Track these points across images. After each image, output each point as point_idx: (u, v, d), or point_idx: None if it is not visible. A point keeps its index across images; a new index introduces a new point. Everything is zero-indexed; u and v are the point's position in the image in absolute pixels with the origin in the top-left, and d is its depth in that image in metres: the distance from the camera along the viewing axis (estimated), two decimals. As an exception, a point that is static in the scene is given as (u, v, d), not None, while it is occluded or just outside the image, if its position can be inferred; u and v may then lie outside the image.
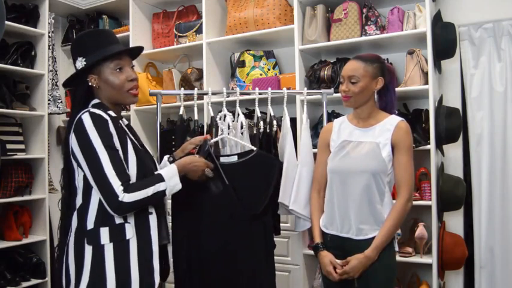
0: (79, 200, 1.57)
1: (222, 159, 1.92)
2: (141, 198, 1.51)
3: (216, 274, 1.88)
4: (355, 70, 1.86)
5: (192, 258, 1.87)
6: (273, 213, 2.15)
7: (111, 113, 1.60)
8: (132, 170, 1.56)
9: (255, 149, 1.98)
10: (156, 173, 1.61)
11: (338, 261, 1.85)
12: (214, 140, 2.00)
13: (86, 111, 1.54)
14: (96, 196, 1.53)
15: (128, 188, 1.49)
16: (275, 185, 1.97)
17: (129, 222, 1.54)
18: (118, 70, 1.62)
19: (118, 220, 1.53)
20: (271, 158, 2.01)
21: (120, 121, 1.64)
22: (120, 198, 1.47)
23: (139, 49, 1.78)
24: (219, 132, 2.07)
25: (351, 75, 1.86)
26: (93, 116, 1.52)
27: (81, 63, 1.62)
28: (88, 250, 1.52)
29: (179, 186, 1.62)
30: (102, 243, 1.51)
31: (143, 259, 1.55)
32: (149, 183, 1.54)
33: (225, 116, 2.09)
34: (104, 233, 1.52)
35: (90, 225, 1.53)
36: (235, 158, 1.95)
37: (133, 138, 1.65)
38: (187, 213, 1.90)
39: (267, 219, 1.97)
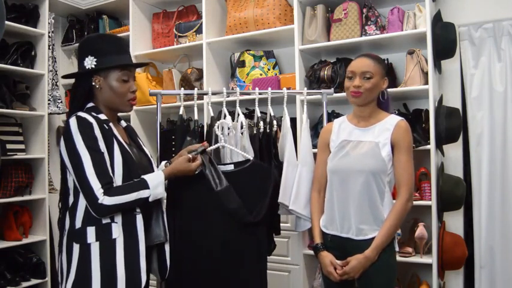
0: (71, 200, 1.61)
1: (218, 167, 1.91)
2: (122, 203, 1.55)
3: (207, 276, 1.87)
4: (369, 66, 1.86)
5: (185, 259, 1.87)
6: (273, 213, 2.15)
7: (101, 116, 1.64)
8: (118, 172, 1.59)
9: (251, 158, 1.96)
10: (142, 177, 1.63)
11: (338, 261, 1.85)
12: (210, 148, 1.97)
13: (73, 115, 1.59)
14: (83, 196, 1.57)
15: (110, 190, 1.53)
16: (271, 197, 1.95)
17: (116, 222, 1.57)
18: (124, 80, 1.68)
19: (105, 220, 1.57)
20: (267, 169, 1.99)
21: (111, 124, 1.67)
22: (99, 201, 1.51)
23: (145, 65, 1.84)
24: (219, 138, 2.03)
25: (365, 71, 1.85)
26: (78, 119, 1.57)
27: (91, 62, 1.65)
28: (76, 248, 1.56)
29: (163, 195, 1.67)
30: (88, 242, 1.55)
31: (130, 258, 1.57)
32: (133, 189, 1.58)
33: (223, 127, 2.07)
34: (91, 232, 1.56)
35: (78, 224, 1.57)
36: (231, 167, 1.94)
37: (122, 140, 1.66)
38: (180, 213, 1.89)
39: (261, 229, 1.96)
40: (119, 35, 3.37)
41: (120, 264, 1.55)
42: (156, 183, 1.62)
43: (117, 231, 1.57)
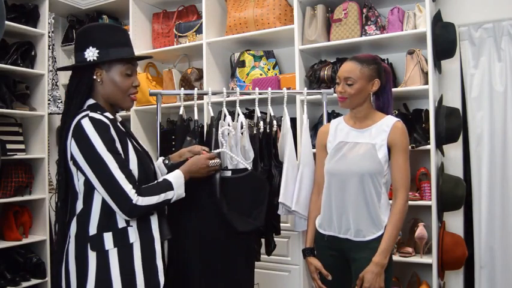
0: (79, 205, 1.54)
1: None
2: (153, 203, 1.51)
3: (198, 274, 1.87)
4: (351, 72, 1.86)
5: (180, 258, 1.86)
6: (272, 213, 2.15)
7: (108, 114, 1.57)
8: (134, 171, 1.55)
9: (249, 168, 1.96)
10: (165, 178, 1.60)
11: (324, 271, 1.89)
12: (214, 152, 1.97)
13: (84, 116, 1.49)
14: (98, 201, 1.51)
15: (140, 191, 1.49)
16: (265, 208, 1.96)
17: (131, 226, 1.53)
18: (127, 74, 1.60)
19: (121, 224, 1.52)
20: (263, 181, 1.99)
21: (118, 123, 1.62)
22: (134, 202, 1.46)
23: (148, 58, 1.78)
24: (221, 143, 2.02)
25: (347, 76, 1.86)
26: (93, 121, 1.49)
27: (93, 53, 1.55)
28: (92, 256, 1.50)
29: (183, 195, 1.63)
30: (106, 248, 1.49)
31: (147, 260, 1.54)
32: (160, 190, 1.55)
33: (228, 132, 2.06)
34: (108, 238, 1.50)
35: (92, 230, 1.51)
36: (228, 173, 1.94)
37: (132, 139, 1.63)
38: (175, 213, 1.89)
39: (250, 240, 1.96)
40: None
41: (139, 268, 1.52)
42: (179, 184, 1.60)
43: (133, 236, 1.53)
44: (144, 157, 1.63)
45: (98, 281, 1.48)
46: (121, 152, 1.52)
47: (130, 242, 1.52)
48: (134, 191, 1.47)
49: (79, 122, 1.49)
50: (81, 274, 1.50)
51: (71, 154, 1.51)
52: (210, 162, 1.76)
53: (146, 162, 1.62)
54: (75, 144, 1.48)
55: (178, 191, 1.59)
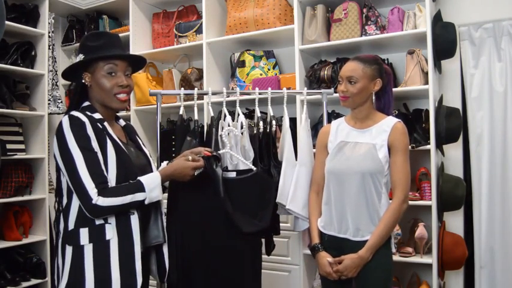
0: (64, 201, 1.59)
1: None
2: (116, 204, 1.51)
3: (206, 277, 1.86)
4: (354, 71, 1.87)
5: (185, 260, 1.86)
6: (272, 214, 2.15)
7: (96, 115, 1.61)
8: (112, 172, 1.55)
9: (254, 169, 1.96)
10: (138, 179, 1.58)
11: (333, 259, 1.86)
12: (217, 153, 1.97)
13: (66, 114, 1.57)
14: (76, 197, 1.53)
15: (104, 191, 1.49)
16: (271, 210, 1.96)
17: (109, 223, 1.54)
18: (110, 74, 1.63)
19: (98, 221, 1.53)
20: (269, 182, 1.99)
21: (106, 123, 1.63)
22: (93, 201, 1.47)
23: (141, 59, 1.77)
24: (224, 144, 2.02)
25: (350, 75, 1.87)
26: (70, 118, 1.54)
27: (79, 59, 1.65)
28: (68, 250, 1.53)
29: (160, 197, 1.62)
30: (81, 243, 1.51)
31: (125, 260, 1.54)
32: (128, 191, 1.54)
33: (228, 133, 2.05)
34: (84, 233, 1.52)
35: (71, 225, 1.54)
36: (233, 174, 1.94)
37: (117, 139, 1.63)
38: (181, 215, 1.89)
39: (256, 241, 1.97)
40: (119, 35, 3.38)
41: (115, 266, 1.52)
42: (152, 186, 1.58)
43: (111, 233, 1.53)
44: (127, 158, 1.61)
45: (71, 274, 1.51)
46: (97, 150, 1.54)
47: (107, 238, 1.53)
48: (96, 190, 1.48)
49: (61, 120, 1.56)
50: (62, 267, 1.54)
51: (53, 151, 1.57)
52: (196, 172, 1.74)
53: (129, 164, 1.61)
54: (55, 140, 1.55)
55: (151, 194, 1.57)
